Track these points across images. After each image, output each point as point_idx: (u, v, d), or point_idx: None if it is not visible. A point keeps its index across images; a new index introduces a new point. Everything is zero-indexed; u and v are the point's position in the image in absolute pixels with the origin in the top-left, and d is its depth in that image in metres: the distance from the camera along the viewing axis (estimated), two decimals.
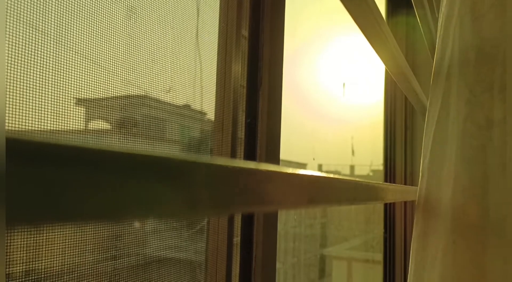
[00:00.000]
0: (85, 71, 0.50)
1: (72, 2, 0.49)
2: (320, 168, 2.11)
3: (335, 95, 1.91)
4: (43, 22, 0.45)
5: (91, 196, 0.12)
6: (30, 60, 0.44)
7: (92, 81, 0.51)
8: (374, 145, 2.20)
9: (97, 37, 0.52)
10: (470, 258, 0.71)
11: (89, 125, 0.54)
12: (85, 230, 0.51)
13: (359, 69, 2.02)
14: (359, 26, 0.47)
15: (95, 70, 0.52)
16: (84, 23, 0.50)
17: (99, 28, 0.52)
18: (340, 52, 1.90)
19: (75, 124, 0.50)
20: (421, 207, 0.81)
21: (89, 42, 0.51)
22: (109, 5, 0.54)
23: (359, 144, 2.34)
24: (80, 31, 0.50)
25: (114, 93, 0.55)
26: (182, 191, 0.16)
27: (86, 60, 0.51)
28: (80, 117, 0.51)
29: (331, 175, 0.30)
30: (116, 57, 0.55)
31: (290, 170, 0.24)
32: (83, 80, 0.50)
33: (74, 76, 0.49)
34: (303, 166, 1.98)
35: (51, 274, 0.48)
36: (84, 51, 0.50)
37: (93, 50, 0.51)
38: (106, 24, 0.53)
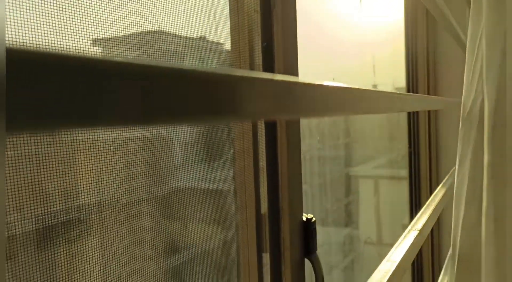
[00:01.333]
0: (97, 10, 0.50)
1: None
2: None
3: (353, 13, 1.84)
4: None
5: (95, 102, 0.14)
6: (42, 3, 0.44)
7: (104, 20, 0.51)
8: (396, 63, 2.15)
9: None
10: None
11: None
12: (113, 161, 0.54)
13: None
14: None
15: (107, 9, 0.52)
16: None
17: None
18: None
19: None
20: (465, 114, 0.94)
21: None
22: None
23: (380, 63, 2.30)
24: None
25: (128, 31, 0.55)
26: (208, 100, 0.17)
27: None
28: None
29: (353, 86, 0.30)
30: None
31: (312, 82, 0.25)
32: (96, 19, 0.50)
33: (87, 15, 0.49)
34: None
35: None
36: None
37: None
38: None
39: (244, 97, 0.18)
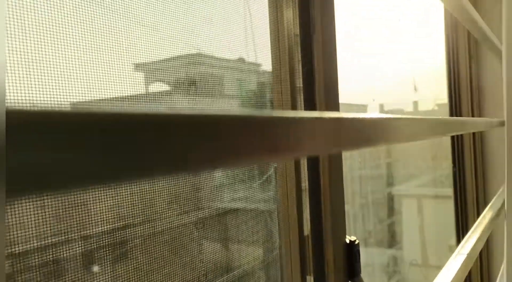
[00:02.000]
0: (139, 36, 0.52)
1: None
2: (381, 108, 2.07)
3: (391, 32, 1.84)
4: None
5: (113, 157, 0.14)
6: (86, 30, 0.46)
7: (147, 45, 0.53)
8: (437, 79, 2.12)
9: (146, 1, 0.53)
10: None
11: (149, 89, 0.56)
12: (160, 186, 0.56)
13: (415, 3, 1.92)
14: None
15: (149, 34, 0.53)
16: None
17: None
18: None
19: (136, 90, 0.52)
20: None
21: (140, 6, 0.52)
22: None
23: (421, 79, 2.27)
24: None
25: (169, 54, 0.57)
26: (247, 143, 0.18)
27: (140, 25, 0.52)
28: (140, 82, 0.53)
29: (393, 115, 0.31)
30: (166, 18, 0.56)
31: (352, 115, 0.26)
32: (138, 44, 0.52)
33: (130, 41, 0.51)
34: (363, 107, 1.96)
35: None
36: (137, 16, 0.52)
37: (145, 14, 0.53)
38: None
39: (289, 137, 0.19)
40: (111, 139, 0.14)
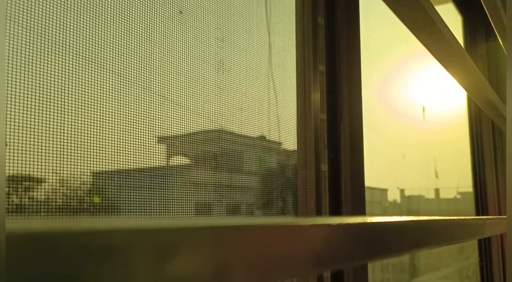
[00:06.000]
0: (163, 110, 0.53)
1: (155, 51, 0.53)
2: (402, 193, 2.04)
3: (414, 119, 1.86)
4: (125, 68, 0.49)
5: None
6: (114, 104, 0.48)
7: (170, 119, 0.53)
8: (460, 166, 2.09)
9: (171, 77, 0.54)
10: None
11: (170, 162, 0.56)
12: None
13: (438, 91, 1.96)
14: (439, 60, 0.48)
15: (172, 108, 0.54)
16: (161, 66, 0.53)
17: (174, 69, 0.55)
18: (417, 76, 1.87)
19: (157, 162, 0.52)
20: None
21: (165, 81, 0.53)
22: (183, 52, 0.58)
23: (443, 166, 2.25)
24: (157, 73, 0.53)
25: (192, 129, 0.57)
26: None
27: (164, 99, 0.53)
28: (162, 154, 0.53)
29: (422, 218, 0.30)
30: (192, 94, 0.57)
31: (375, 219, 0.25)
32: (162, 118, 0.53)
33: (154, 115, 0.52)
34: (383, 191, 1.93)
35: None
36: (162, 91, 0.53)
37: (169, 89, 0.54)
38: (180, 65, 0.56)
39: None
40: None
